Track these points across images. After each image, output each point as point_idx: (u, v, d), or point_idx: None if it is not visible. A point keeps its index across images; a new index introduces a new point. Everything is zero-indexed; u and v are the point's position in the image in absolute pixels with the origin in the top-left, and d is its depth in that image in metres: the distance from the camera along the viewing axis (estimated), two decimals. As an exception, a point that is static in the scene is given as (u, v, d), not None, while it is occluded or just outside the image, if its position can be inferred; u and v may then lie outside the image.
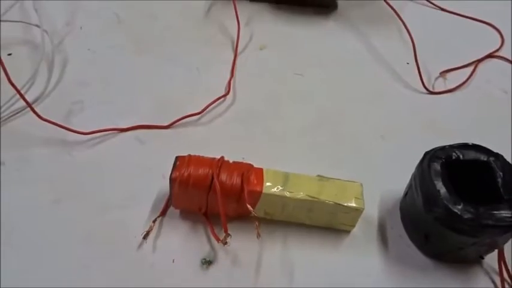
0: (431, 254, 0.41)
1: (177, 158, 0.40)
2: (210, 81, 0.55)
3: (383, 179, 0.46)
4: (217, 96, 0.52)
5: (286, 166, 0.42)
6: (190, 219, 0.42)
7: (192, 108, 0.51)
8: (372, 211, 0.44)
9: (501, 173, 0.38)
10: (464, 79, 0.59)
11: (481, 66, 0.61)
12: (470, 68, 0.60)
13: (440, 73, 0.59)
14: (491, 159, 0.39)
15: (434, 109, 0.55)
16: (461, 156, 0.39)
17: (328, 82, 0.57)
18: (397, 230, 0.43)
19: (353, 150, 0.50)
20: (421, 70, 0.58)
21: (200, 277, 0.38)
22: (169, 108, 0.51)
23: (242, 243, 0.40)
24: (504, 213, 0.35)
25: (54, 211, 0.42)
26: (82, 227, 0.41)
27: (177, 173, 0.38)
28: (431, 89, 0.57)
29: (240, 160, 0.43)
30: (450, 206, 0.36)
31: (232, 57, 0.57)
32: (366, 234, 0.42)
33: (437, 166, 0.38)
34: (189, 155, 0.40)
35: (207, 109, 0.51)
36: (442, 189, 0.37)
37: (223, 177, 0.38)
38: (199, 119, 0.51)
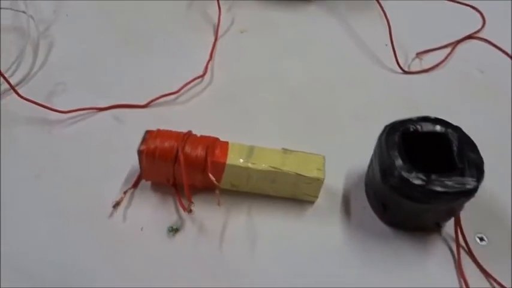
0: (391, 223, 0.42)
1: (146, 132, 0.42)
2: (189, 63, 0.57)
3: (353, 155, 0.47)
4: (194, 77, 0.54)
5: (258, 143, 0.43)
6: (161, 190, 0.44)
7: (170, 89, 0.53)
8: (337, 184, 0.45)
9: (457, 144, 0.39)
10: (442, 59, 0.60)
11: (460, 47, 0.62)
12: (449, 49, 0.61)
13: (417, 54, 0.60)
14: (449, 131, 0.40)
15: (409, 89, 0.56)
16: (419, 129, 0.40)
17: (306, 64, 0.58)
18: (361, 202, 0.44)
19: (326, 128, 0.51)
20: (398, 51, 0.59)
21: (167, 244, 0.40)
22: (147, 89, 0.53)
23: (209, 212, 0.42)
24: (455, 180, 0.37)
25: (35, 185, 0.44)
26: (60, 200, 0.43)
27: (144, 146, 0.40)
28: (406, 69, 0.58)
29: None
30: (403, 173, 0.37)
31: (213, 41, 0.59)
32: (330, 205, 0.44)
33: (395, 138, 0.39)
34: (158, 129, 0.42)
35: (184, 89, 0.53)
36: (397, 159, 0.38)
37: (188, 149, 0.40)
38: (176, 98, 0.53)
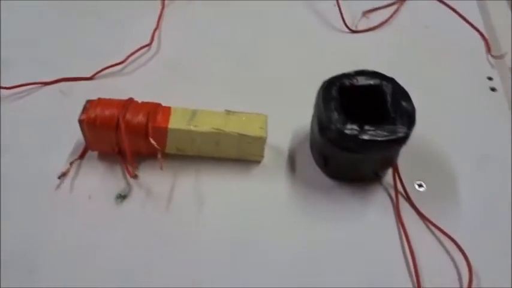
0: (333, 175, 0.43)
1: (87, 101, 0.42)
2: (136, 33, 0.56)
3: (299, 114, 0.47)
4: (140, 46, 0.54)
5: (205, 107, 0.44)
6: (108, 160, 0.44)
7: (116, 59, 0.52)
8: (283, 142, 0.46)
9: (391, 95, 0.40)
10: (388, 17, 0.60)
11: (406, 4, 0.62)
12: (395, 7, 0.62)
13: (364, 13, 0.60)
14: (384, 82, 0.41)
15: (356, 48, 0.57)
16: (355, 82, 0.41)
17: (253, 28, 0.58)
18: (306, 158, 0.45)
19: (273, 91, 0.52)
20: (345, 10, 0.59)
21: (115, 210, 0.41)
22: (93, 61, 0.52)
23: (156, 177, 0.43)
24: (386, 129, 0.38)
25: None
26: (7, 174, 0.43)
27: (85, 115, 0.40)
28: (354, 29, 0.59)
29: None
30: (338, 126, 0.38)
31: (160, 9, 0.59)
32: (276, 164, 0.45)
33: (331, 92, 0.40)
34: (99, 98, 0.42)
35: (130, 59, 0.52)
36: (333, 113, 0.39)
37: (129, 116, 0.40)
38: (122, 69, 0.52)
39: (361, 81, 0.41)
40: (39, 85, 0.50)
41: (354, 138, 0.38)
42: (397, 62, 0.56)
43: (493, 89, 0.53)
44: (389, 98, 0.40)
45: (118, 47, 0.54)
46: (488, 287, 0.38)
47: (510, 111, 0.52)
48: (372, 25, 0.59)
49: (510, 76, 0.57)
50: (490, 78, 0.55)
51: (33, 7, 0.58)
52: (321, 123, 0.40)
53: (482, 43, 0.59)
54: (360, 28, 0.59)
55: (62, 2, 0.59)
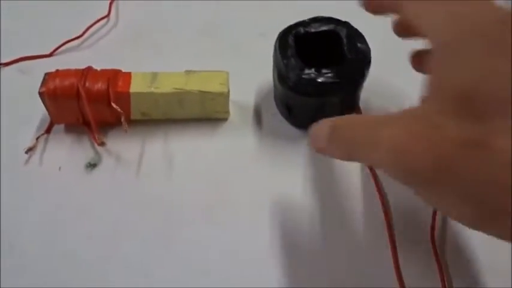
0: (297, 124, 0.44)
1: (45, 74, 0.42)
2: (93, 5, 0.55)
3: (262, 69, 0.47)
4: (98, 18, 0.53)
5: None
6: (74, 131, 0.44)
7: (74, 34, 0.51)
8: (249, 99, 0.47)
9: (346, 38, 0.40)
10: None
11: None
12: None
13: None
14: (338, 27, 0.41)
15: (312, 3, 0.57)
16: (310, 29, 0.41)
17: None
18: (271, 111, 0.46)
19: (234, 50, 0.52)
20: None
21: (85, 179, 0.41)
22: (51, 37, 0.51)
23: (125, 144, 0.43)
24: (343, 69, 0.39)
25: None
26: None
27: (44, 88, 0.40)
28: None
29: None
30: (296, 72, 0.39)
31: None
32: (242, 119, 0.45)
33: (288, 41, 0.41)
34: (57, 70, 0.42)
35: (88, 32, 0.52)
36: (289, 60, 0.39)
37: (89, 84, 0.40)
38: (82, 43, 0.52)
39: (316, 27, 0.42)
40: (-3, 66, 0.49)
41: (312, 82, 0.38)
42: (353, 8, 0.55)
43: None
44: (345, 41, 0.40)
45: (76, 21, 0.53)
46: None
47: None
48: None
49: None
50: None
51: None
52: (280, 72, 0.40)
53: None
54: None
55: None
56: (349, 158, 0.28)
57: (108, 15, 0.54)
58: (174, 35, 0.53)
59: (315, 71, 0.38)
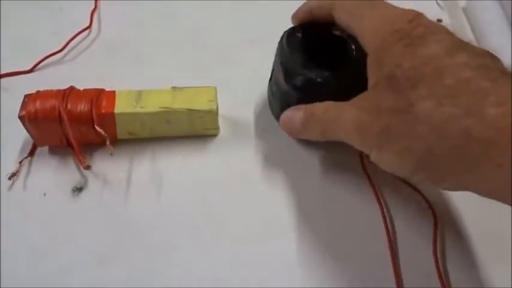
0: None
1: (25, 96, 0.40)
2: (74, 17, 0.53)
3: (252, 80, 0.47)
4: (79, 30, 0.51)
5: (152, 87, 0.42)
6: (59, 153, 0.42)
7: (55, 47, 0.50)
8: (238, 113, 0.45)
9: (353, 40, 0.39)
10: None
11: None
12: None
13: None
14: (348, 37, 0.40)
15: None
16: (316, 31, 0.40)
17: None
18: (262, 125, 0.44)
19: (222, 59, 0.50)
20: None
21: (72, 204, 0.40)
22: (32, 52, 0.49)
23: (112, 165, 0.42)
24: (352, 72, 0.37)
25: None
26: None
27: (24, 111, 0.39)
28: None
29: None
30: (306, 72, 0.38)
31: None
32: (232, 135, 0.44)
33: (294, 41, 0.40)
34: (38, 91, 0.40)
35: (70, 45, 0.50)
36: (298, 60, 0.39)
37: (71, 106, 0.39)
38: (63, 57, 0.50)
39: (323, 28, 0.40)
40: (-24, 84, 0.47)
41: (323, 84, 0.37)
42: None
43: (443, 31, 0.53)
44: (352, 44, 0.39)
45: (56, 33, 0.51)
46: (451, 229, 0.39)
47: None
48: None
49: (463, 16, 0.57)
50: (439, 21, 0.54)
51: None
52: (287, 71, 0.39)
53: (430, -14, 0.58)
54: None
55: None
56: (322, 137, 0.36)
57: (89, 27, 0.52)
58: (159, 45, 0.51)
59: (326, 71, 0.38)
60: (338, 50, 0.41)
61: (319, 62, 0.39)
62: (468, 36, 0.55)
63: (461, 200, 0.41)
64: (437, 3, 0.56)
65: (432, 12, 0.55)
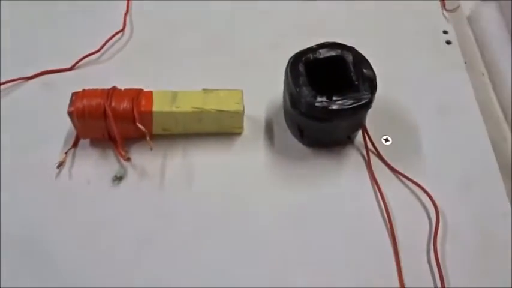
0: (309, 144, 0.48)
1: (72, 94, 0.45)
2: (108, 19, 0.58)
3: (273, 86, 0.50)
4: (114, 32, 0.55)
5: (181, 87, 0.46)
6: (100, 146, 0.47)
7: (93, 48, 0.54)
8: (260, 114, 0.50)
9: (352, 63, 0.44)
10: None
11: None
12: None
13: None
14: (344, 52, 0.45)
15: (320, 15, 0.60)
16: (318, 55, 0.45)
17: (219, 4, 0.60)
18: (282, 128, 0.49)
19: (244, 64, 0.55)
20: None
21: (113, 192, 0.45)
22: (71, 52, 0.54)
23: (148, 158, 0.46)
24: (351, 96, 0.42)
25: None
26: (7, 169, 0.46)
27: (73, 108, 0.43)
28: (316, -4, 0.61)
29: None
30: (308, 100, 0.42)
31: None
32: (255, 134, 0.49)
33: (298, 68, 0.44)
34: (83, 89, 0.45)
35: (106, 46, 0.55)
36: (301, 88, 0.43)
37: (114, 104, 0.43)
38: (99, 57, 0.54)
39: (324, 53, 0.45)
40: (22, 80, 0.51)
41: (325, 109, 0.42)
42: (359, 25, 0.59)
43: (448, 42, 0.58)
44: (351, 66, 0.44)
45: (93, 34, 0.56)
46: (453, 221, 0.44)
47: (464, 61, 0.56)
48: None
49: (468, 25, 0.61)
50: (445, 32, 0.59)
51: (9, 5, 0.58)
52: (292, 98, 0.43)
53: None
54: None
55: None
56: None
57: (123, 29, 0.56)
58: (186, 47, 0.56)
59: (327, 98, 0.42)
60: (338, 68, 0.45)
61: (322, 85, 0.43)
62: (472, 46, 0.60)
63: (462, 194, 0.46)
64: (444, 15, 0.60)
65: (438, 23, 0.60)
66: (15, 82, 0.51)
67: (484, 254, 0.42)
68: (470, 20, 0.62)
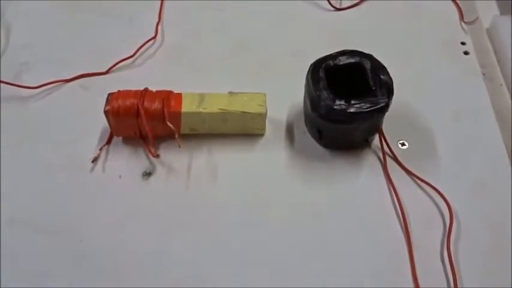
0: (327, 146, 0.50)
1: (108, 94, 0.48)
2: (142, 27, 0.62)
3: (294, 91, 0.53)
4: (146, 40, 0.59)
5: (208, 90, 0.50)
6: (131, 143, 0.51)
7: (126, 53, 0.58)
8: (282, 117, 0.53)
9: (370, 70, 0.46)
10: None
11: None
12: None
13: (347, -10, 0.66)
14: (363, 59, 0.47)
15: (341, 25, 0.63)
16: (338, 62, 0.47)
17: (245, 12, 0.64)
18: (302, 130, 0.52)
19: (267, 69, 0.58)
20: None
21: (143, 186, 0.48)
22: (106, 57, 0.58)
23: (175, 156, 0.50)
24: (369, 100, 0.44)
25: (18, 152, 0.50)
26: (44, 161, 0.49)
27: (109, 107, 0.47)
28: (338, 6, 0.64)
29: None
30: (328, 103, 0.44)
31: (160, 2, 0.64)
32: (276, 136, 0.51)
33: (318, 73, 0.46)
34: (119, 91, 0.49)
35: (139, 52, 0.58)
36: (322, 92, 0.45)
37: (147, 104, 0.47)
38: (133, 62, 0.58)
39: (343, 60, 0.47)
40: (62, 82, 0.56)
41: (343, 112, 0.44)
42: (379, 35, 0.62)
43: (466, 53, 0.60)
44: (369, 73, 0.46)
45: (126, 41, 0.60)
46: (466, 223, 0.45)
47: (480, 70, 0.58)
48: (354, 2, 0.64)
49: (487, 38, 0.63)
50: (463, 43, 0.61)
51: (50, 13, 0.63)
52: (313, 102, 0.46)
53: (456, 12, 0.64)
54: (344, 5, 0.64)
55: (78, 7, 0.64)
56: None
57: (155, 37, 0.60)
58: (213, 54, 0.59)
59: (345, 101, 0.44)
60: (357, 75, 0.47)
61: (341, 90, 0.45)
62: (491, 57, 0.61)
63: (476, 197, 0.47)
64: (462, 27, 0.62)
65: (456, 35, 0.62)
66: (56, 84, 0.55)
67: (497, 255, 0.43)
68: (489, 32, 0.64)
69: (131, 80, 0.56)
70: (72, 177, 0.48)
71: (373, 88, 0.45)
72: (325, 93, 0.45)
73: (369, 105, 0.44)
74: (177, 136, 0.46)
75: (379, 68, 0.46)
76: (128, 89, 0.49)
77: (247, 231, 0.45)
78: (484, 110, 0.54)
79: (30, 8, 0.64)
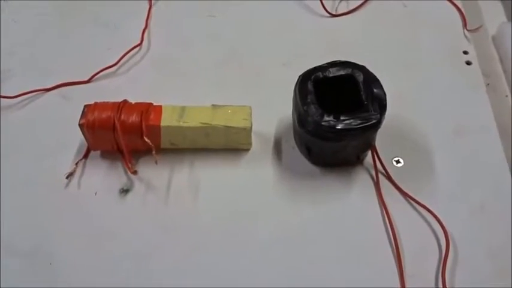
0: (317, 163, 0.47)
1: (85, 106, 0.46)
2: (127, 34, 0.59)
3: (283, 103, 0.49)
4: (131, 46, 0.57)
5: (194, 102, 0.47)
6: (109, 158, 0.48)
7: (110, 61, 0.56)
8: (270, 130, 0.50)
9: (363, 83, 0.43)
10: (366, -1, 0.63)
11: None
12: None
13: (343, -4, 0.63)
14: (355, 71, 0.44)
15: (336, 32, 0.60)
16: (328, 74, 0.44)
17: (236, 20, 0.61)
18: (291, 145, 0.49)
19: (257, 80, 0.55)
20: (325, -5, 0.61)
21: (119, 204, 0.45)
22: (89, 65, 0.56)
23: (155, 171, 0.47)
24: (360, 116, 0.41)
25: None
26: (18, 176, 0.47)
27: (84, 120, 0.44)
28: (333, 12, 0.61)
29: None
30: (315, 118, 0.41)
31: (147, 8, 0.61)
32: (263, 151, 0.49)
33: (307, 86, 0.43)
34: (95, 102, 0.46)
35: (123, 60, 0.56)
36: (309, 106, 0.42)
37: (124, 117, 0.44)
38: (116, 70, 0.56)
39: (334, 72, 0.44)
40: (41, 92, 0.53)
41: (331, 128, 0.41)
42: (377, 42, 0.59)
43: (468, 63, 0.56)
44: (361, 86, 0.43)
45: (110, 48, 0.57)
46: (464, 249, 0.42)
47: (484, 81, 0.55)
48: (351, 7, 0.61)
49: (492, 45, 0.59)
50: (465, 52, 0.57)
51: (35, 20, 0.61)
52: (300, 117, 0.43)
53: (459, 19, 0.61)
54: (339, 11, 0.61)
55: (62, 14, 0.62)
56: None
57: (140, 44, 0.57)
58: (200, 64, 0.56)
59: (334, 117, 0.41)
60: (349, 87, 0.44)
61: (332, 104, 0.42)
62: (496, 65, 0.58)
63: (475, 220, 0.44)
64: (464, 35, 0.59)
65: (458, 43, 0.58)
66: (36, 93, 0.53)
67: (497, 285, 0.40)
68: (495, 39, 0.61)
69: (113, 90, 0.54)
70: (46, 194, 0.46)
71: (365, 102, 0.42)
72: (312, 108, 0.42)
73: (359, 121, 0.41)
74: (154, 152, 0.44)
75: (372, 80, 0.43)
76: (110, 99, 0.47)
77: (229, 252, 0.43)
78: (486, 125, 0.51)
79: (18, 15, 0.62)
